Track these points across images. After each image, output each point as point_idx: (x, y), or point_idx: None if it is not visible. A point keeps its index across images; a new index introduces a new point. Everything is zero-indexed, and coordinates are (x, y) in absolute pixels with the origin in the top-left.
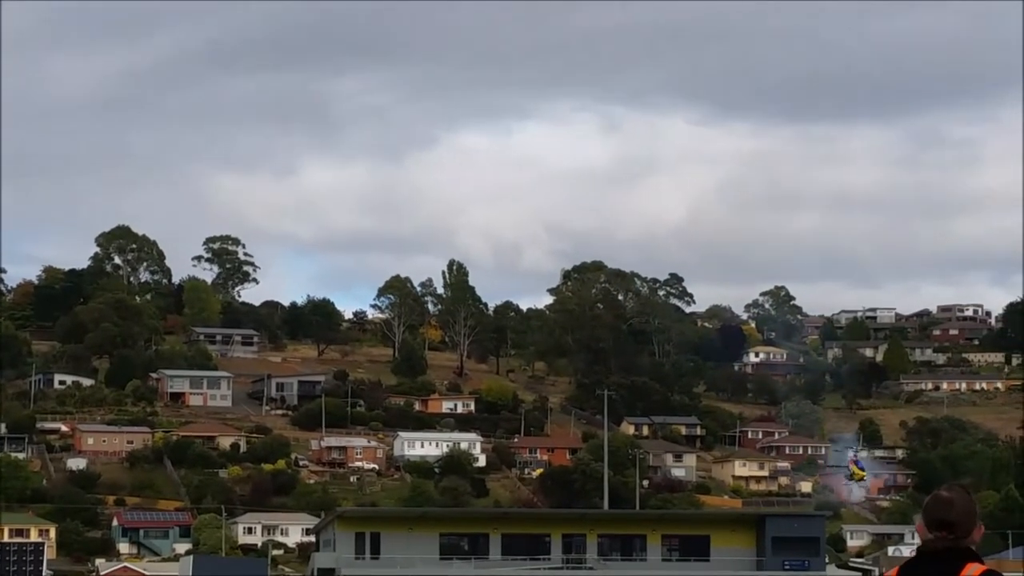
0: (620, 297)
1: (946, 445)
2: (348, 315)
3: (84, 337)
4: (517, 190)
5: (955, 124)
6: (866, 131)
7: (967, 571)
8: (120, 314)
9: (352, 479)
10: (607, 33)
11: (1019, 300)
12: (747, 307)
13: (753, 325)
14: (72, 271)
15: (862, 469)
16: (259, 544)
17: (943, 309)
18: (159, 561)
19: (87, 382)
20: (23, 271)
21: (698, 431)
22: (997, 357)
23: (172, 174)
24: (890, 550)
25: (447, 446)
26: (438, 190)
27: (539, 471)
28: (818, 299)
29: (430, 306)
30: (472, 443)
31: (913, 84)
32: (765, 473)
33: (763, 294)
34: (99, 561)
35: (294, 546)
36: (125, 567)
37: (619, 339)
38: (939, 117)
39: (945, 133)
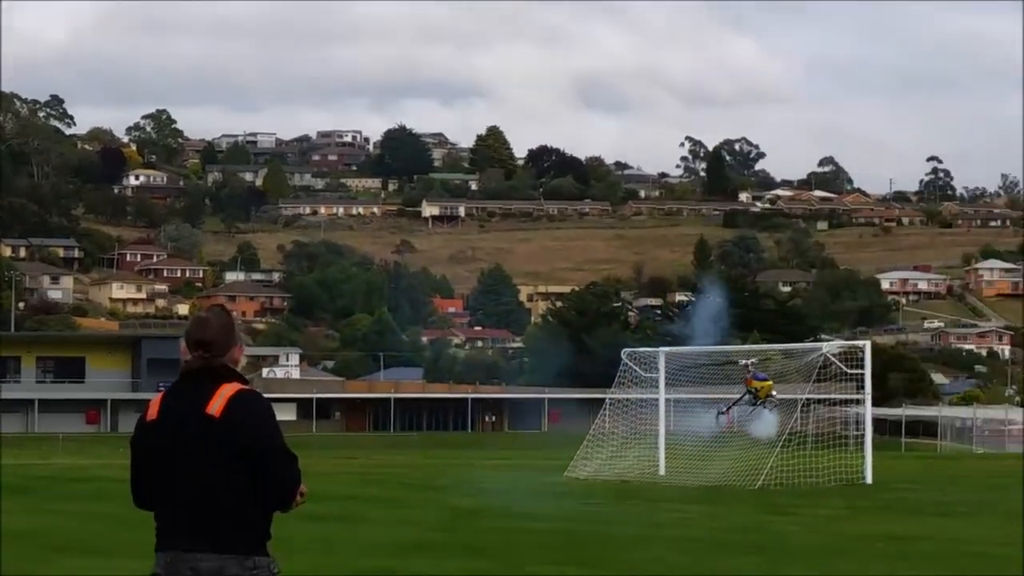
0: None
1: (322, 269)
2: None
3: None
4: None
5: None
6: None
7: (223, 389)
8: None
9: None
10: None
11: (396, 127)
12: (128, 130)
13: (134, 148)
14: None
15: (764, 379)
16: None
17: (322, 135)
18: None
19: None
20: None
21: (76, 253)
22: (374, 183)
23: None
24: (264, 371)
25: None
26: None
27: None
28: (199, 123)
29: None
30: None
31: None
32: (143, 295)
33: (144, 117)
34: None
35: None
36: None
37: None
38: None
39: None
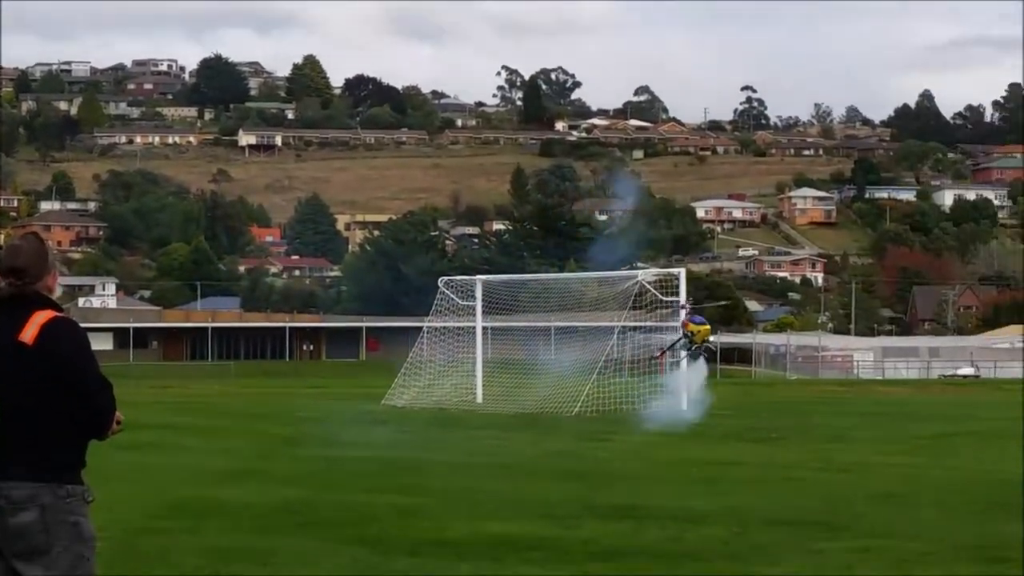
0: None
1: (138, 198)
2: None
3: None
4: None
5: None
6: None
7: (36, 317)
8: None
9: None
10: None
11: (212, 56)
12: None
13: None
14: None
15: (701, 323)
16: None
17: (138, 63)
18: None
19: None
20: None
21: None
22: (190, 112)
23: None
24: (81, 301)
25: None
26: None
27: None
28: (12, 51)
29: None
30: None
31: None
32: None
33: None
34: None
35: None
36: None
37: None
38: None
39: None
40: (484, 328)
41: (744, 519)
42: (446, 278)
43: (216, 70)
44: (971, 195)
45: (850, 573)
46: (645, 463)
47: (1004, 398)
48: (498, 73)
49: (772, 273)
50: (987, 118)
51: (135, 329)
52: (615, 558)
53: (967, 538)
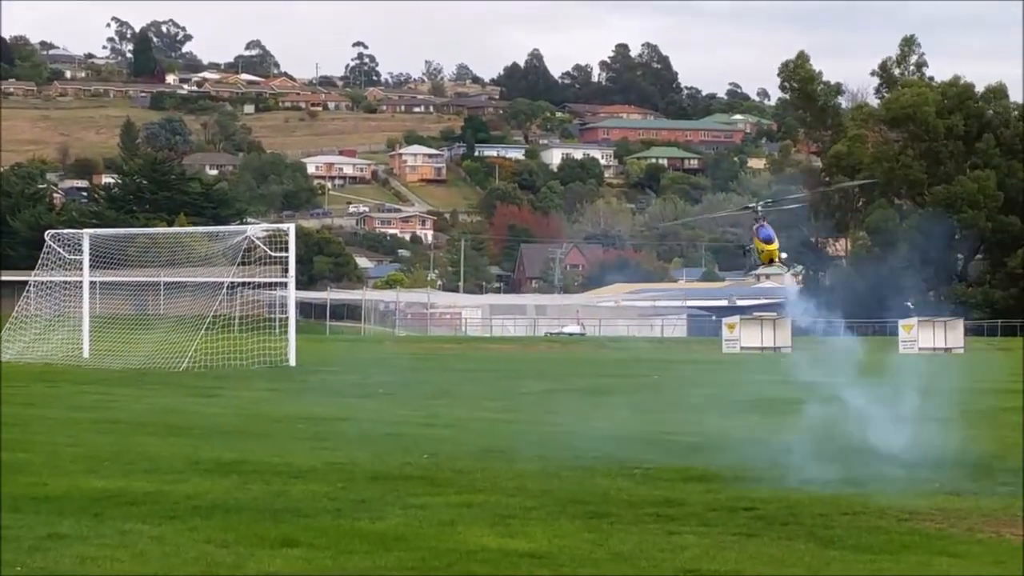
0: None
1: None
2: None
3: None
4: None
5: None
6: None
7: None
8: None
9: None
10: None
11: None
12: None
13: None
14: None
15: (769, 240)
16: None
17: None
18: None
19: None
20: None
21: None
22: None
23: None
24: None
25: None
26: None
27: None
28: None
29: None
30: None
31: None
32: None
33: None
34: None
35: None
36: None
37: None
38: None
39: None
40: (92, 282)
41: (349, 474)
42: (53, 231)
43: None
44: (578, 154)
45: (452, 527)
46: (252, 419)
47: (607, 355)
48: (108, 25)
49: (382, 230)
50: (595, 78)
51: None
52: (219, 513)
53: (568, 493)
